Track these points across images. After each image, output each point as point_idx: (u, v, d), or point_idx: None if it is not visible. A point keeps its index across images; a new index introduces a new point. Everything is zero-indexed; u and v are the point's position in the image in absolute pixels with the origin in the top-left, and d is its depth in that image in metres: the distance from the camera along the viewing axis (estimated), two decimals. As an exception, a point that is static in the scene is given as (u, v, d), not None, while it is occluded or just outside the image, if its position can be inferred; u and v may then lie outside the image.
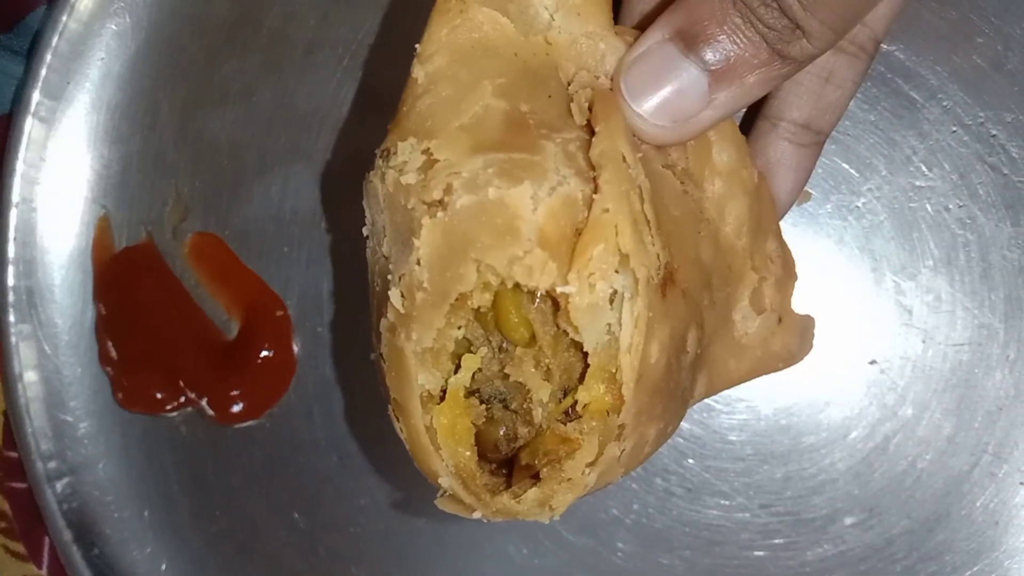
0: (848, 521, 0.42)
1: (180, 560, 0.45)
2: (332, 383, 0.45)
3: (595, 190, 0.29)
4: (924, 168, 0.42)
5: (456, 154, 0.30)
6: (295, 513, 0.45)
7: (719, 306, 0.35)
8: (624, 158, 0.30)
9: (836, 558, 0.42)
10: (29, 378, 0.46)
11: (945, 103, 0.42)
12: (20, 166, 0.45)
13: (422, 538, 0.44)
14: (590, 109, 0.32)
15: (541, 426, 0.31)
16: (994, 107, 0.41)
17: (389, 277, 0.31)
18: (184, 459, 0.46)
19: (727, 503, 0.43)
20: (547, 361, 0.30)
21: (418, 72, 0.33)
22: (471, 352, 0.31)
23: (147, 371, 0.46)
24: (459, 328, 0.30)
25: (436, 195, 0.30)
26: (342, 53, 0.45)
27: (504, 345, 0.31)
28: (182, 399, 0.46)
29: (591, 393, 0.29)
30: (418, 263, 0.29)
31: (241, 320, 0.46)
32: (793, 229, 0.42)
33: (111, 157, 0.46)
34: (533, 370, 0.30)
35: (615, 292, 0.29)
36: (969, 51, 0.41)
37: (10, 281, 0.46)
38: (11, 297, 0.46)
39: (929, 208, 0.42)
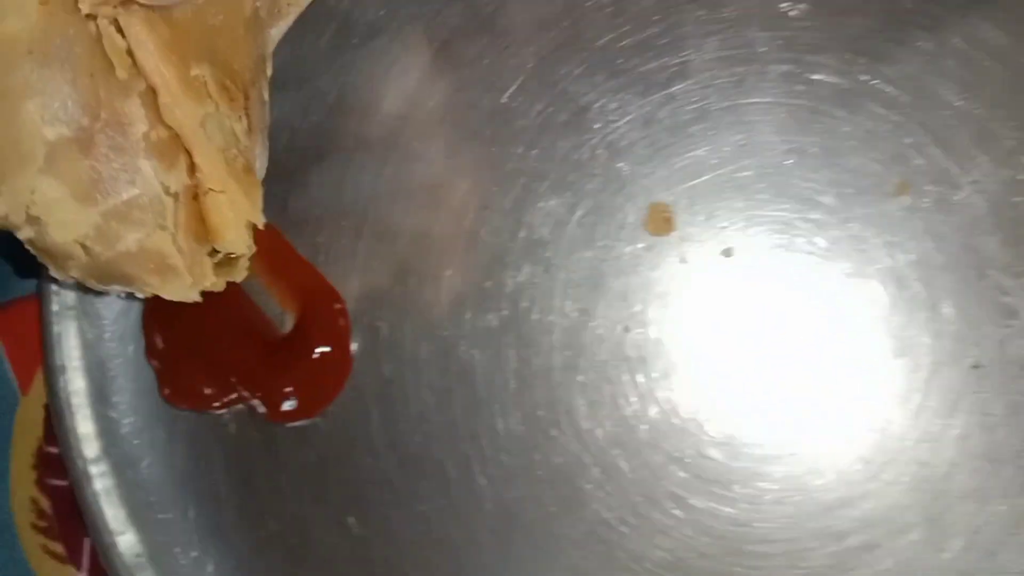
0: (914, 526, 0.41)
1: (226, 565, 0.43)
2: (391, 381, 0.43)
3: (192, 167, 0.31)
4: (1028, 160, 0.40)
5: (64, 210, 0.30)
6: (349, 518, 0.43)
7: None
8: (201, 121, 0.31)
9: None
10: (72, 371, 0.44)
11: (1050, 92, 0.40)
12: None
13: (485, 550, 0.42)
14: (132, 58, 0.29)
15: None
16: (1103, 97, 0.39)
17: None
18: (232, 459, 0.44)
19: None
20: None
21: None
22: None
23: (196, 366, 0.44)
24: None
25: (67, 250, 0.31)
26: (408, 35, 0.43)
27: None
28: (232, 396, 0.44)
29: None
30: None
31: (296, 314, 0.44)
32: (888, 223, 0.41)
33: (164, 143, 0.45)
34: None
35: None
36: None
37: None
38: (54, 287, 0.44)
39: (1034, 203, 0.40)
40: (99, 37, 0.29)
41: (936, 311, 0.41)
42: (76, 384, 0.44)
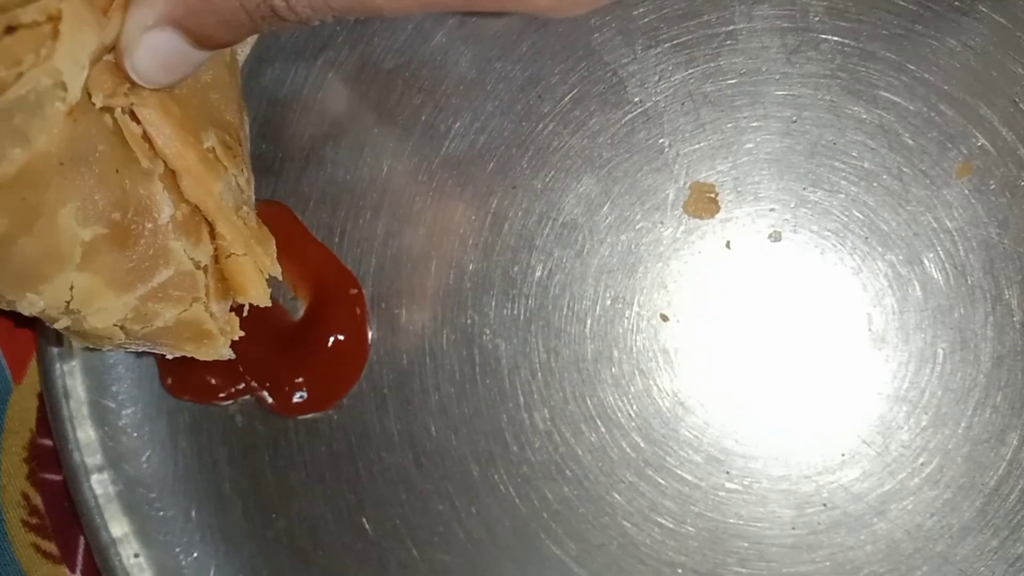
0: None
1: (230, 567, 0.42)
2: (409, 372, 0.41)
3: (212, 232, 0.33)
4: (1103, 139, 0.38)
5: (103, 300, 0.31)
6: (362, 518, 0.41)
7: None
8: (216, 193, 0.32)
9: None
10: (68, 358, 0.42)
11: None
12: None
13: (508, 554, 0.40)
14: (148, 142, 0.31)
15: None
16: None
17: None
18: (239, 454, 0.42)
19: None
20: None
21: None
22: None
23: (200, 354, 0.43)
24: None
25: (106, 333, 0.32)
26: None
27: None
28: (239, 386, 0.42)
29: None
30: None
31: (309, 299, 0.42)
32: (949, 206, 0.39)
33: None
34: None
35: None
36: None
37: (51, 250, 0.43)
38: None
39: (1109, 185, 0.38)
40: (117, 129, 0.30)
41: (999, 302, 0.39)
42: (73, 372, 0.42)
